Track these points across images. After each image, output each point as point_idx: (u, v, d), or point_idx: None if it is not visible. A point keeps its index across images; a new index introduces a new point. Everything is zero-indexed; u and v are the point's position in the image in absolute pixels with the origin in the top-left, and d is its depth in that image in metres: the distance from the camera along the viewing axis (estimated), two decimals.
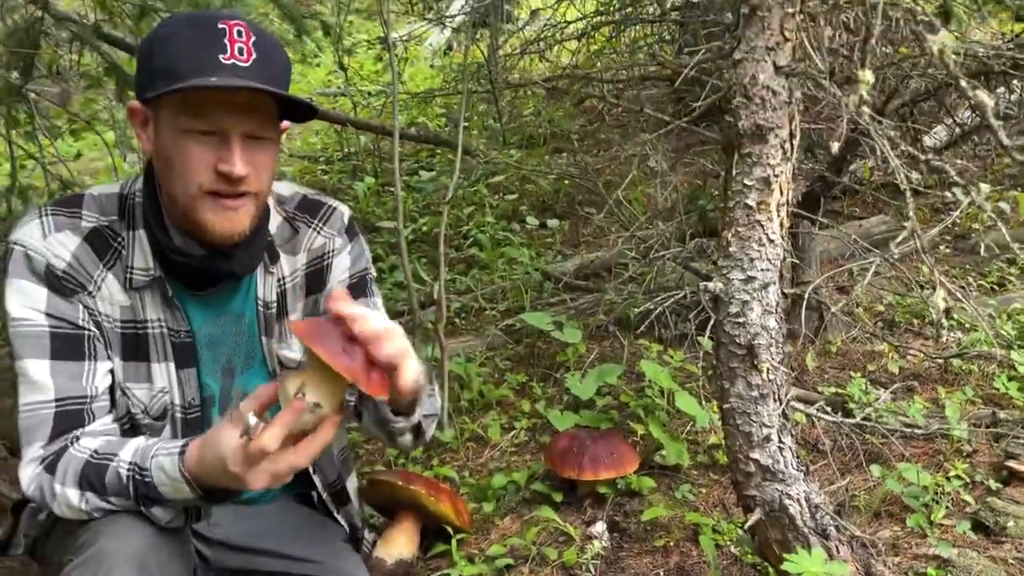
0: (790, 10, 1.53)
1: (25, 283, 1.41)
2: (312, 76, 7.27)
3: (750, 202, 1.59)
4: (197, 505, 1.40)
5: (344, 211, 1.66)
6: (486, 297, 3.40)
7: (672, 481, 2.28)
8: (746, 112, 1.57)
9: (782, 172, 1.59)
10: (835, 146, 1.42)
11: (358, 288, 1.65)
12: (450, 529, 2.03)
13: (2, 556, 1.65)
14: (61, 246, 1.42)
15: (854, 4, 1.50)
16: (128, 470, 1.35)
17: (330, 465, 1.72)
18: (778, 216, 1.61)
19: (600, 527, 2.09)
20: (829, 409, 2.14)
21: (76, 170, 3.86)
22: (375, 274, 1.72)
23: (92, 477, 1.36)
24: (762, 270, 1.61)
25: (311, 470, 1.68)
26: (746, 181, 1.60)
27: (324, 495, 1.72)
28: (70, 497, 1.36)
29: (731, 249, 1.62)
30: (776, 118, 1.57)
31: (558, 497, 2.20)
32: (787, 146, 1.59)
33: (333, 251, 1.63)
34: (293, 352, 1.61)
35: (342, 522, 1.78)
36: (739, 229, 1.61)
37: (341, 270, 1.64)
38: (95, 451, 1.38)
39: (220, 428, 1.28)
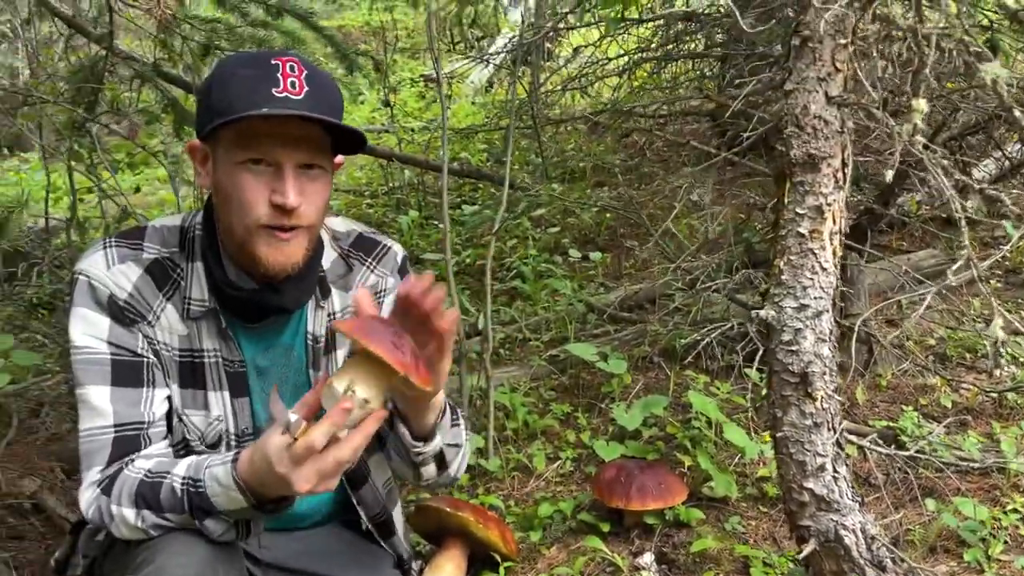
0: (842, 41, 1.55)
1: (89, 312, 1.46)
2: (357, 113, 7.43)
3: (802, 230, 1.60)
4: (249, 517, 1.42)
5: (398, 251, 1.68)
6: (530, 328, 3.42)
7: (721, 513, 2.26)
8: (798, 141, 1.59)
9: (835, 201, 1.59)
10: (889, 175, 1.43)
11: None
12: (497, 557, 2.03)
13: None
14: (123, 277, 1.47)
15: (906, 35, 1.51)
16: (182, 484, 1.38)
17: (375, 498, 1.72)
18: (831, 244, 1.61)
19: (648, 558, 2.07)
20: (881, 442, 2.11)
21: (133, 203, 3.97)
22: None
23: (147, 495, 1.38)
24: (815, 298, 1.61)
25: (355, 501, 1.69)
26: (798, 210, 1.61)
27: (369, 526, 1.73)
28: (127, 516, 1.39)
29: (783, 277, 1.63)
30: (828, 147, 1.58)
31: (605, 527, 2.19)
32: (839, 175, 1.60)
33: (385, 291, 1.65)
34: None
35: (389, 551, 1.79)
36: (791, 257, 1.62)
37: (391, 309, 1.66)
38: (149, 470, 1.41)
39: (268, 433, 1.31)
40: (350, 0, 10.55)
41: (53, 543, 2.29)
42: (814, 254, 1.60)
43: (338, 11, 10.65)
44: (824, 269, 1.61)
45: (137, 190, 4.94)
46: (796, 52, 1.59)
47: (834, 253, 1.62)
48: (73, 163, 3.20)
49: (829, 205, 1.59)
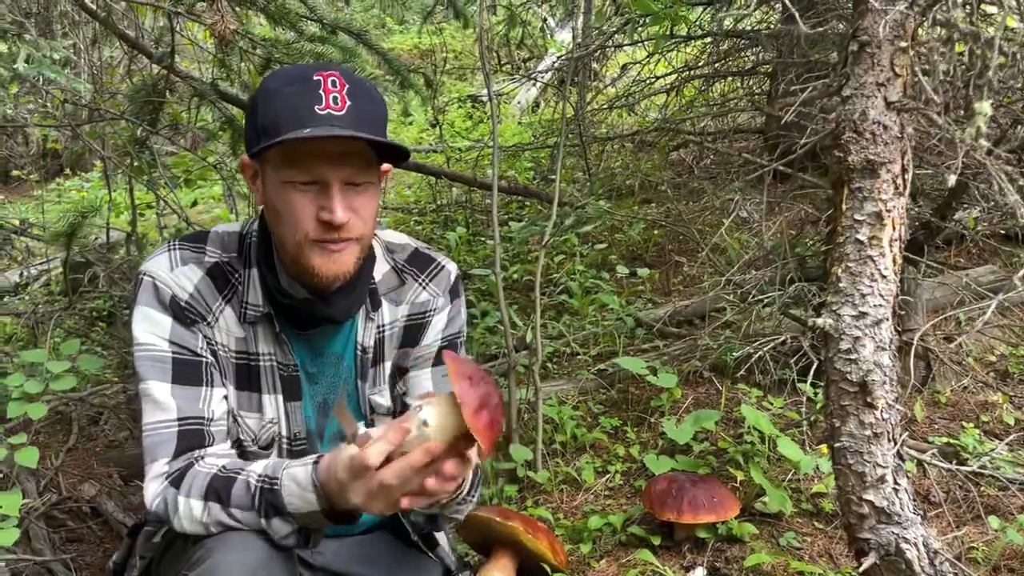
0: (902, 45, 1.53)
1: (152, 311, 1.50)
2: (405, 133, 7.53)
3: (861, 237, 1.58)
4: (315, 523, 1.43)
5: (452, 270, 1.69)
6: (578, 342, 3.41)
7: (774, 528, 2.22)
8: (856, 147, 1.57)
9: (895, 207, 1.57)
10: (951, 179, 1.40)
11: (448, 349, 1.67)
12: (547, 568, 2.01)
13: None
14: (186, 278, 1.51)
15: (967, 39, 1.49)
16: (258, 480, 1.40)
17: (416, 513, 1.74)
18: (891, 251, 1.58)
19: (700, 572, 2.04)
20: (942, 458, 2.06)
21: (191, 217, 4.06)
22: (466, 337, 1.74)
23: (220, 488, 1.41)
24: (874, 306, 1.58)
25: (400, 513, 1.70)
26: (857, 216, 1.59)
27: (414, 538, 1.74)
28: (193, 508, 1.41)
29: (841, 285, 1.61)
30: (887, 153, 1.56)
31: (656, 540, 2.17)
32: (899, 181, 1.57)
33: (435, 309, 1.66)
34: (383, 399, 1.65)
35: (436, 560, 1.79)
36: (849, 265, 1.60)
37: (437, 330, 1.67)
38: (223, 466, 1.45)
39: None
40: (399, 24, 10.74)
41: (111, 546, 2.34)
42: (873, 261, 1.58)
43: (387, 35, 10.85)
44: (884, 276, 1.58)
45: (194, 204, 5.07)
46: (854, 57, 1.58)
47: (894, 260, 1.60)
48: (133, 177, 3.29)
49: (889, 211, 1.57)
